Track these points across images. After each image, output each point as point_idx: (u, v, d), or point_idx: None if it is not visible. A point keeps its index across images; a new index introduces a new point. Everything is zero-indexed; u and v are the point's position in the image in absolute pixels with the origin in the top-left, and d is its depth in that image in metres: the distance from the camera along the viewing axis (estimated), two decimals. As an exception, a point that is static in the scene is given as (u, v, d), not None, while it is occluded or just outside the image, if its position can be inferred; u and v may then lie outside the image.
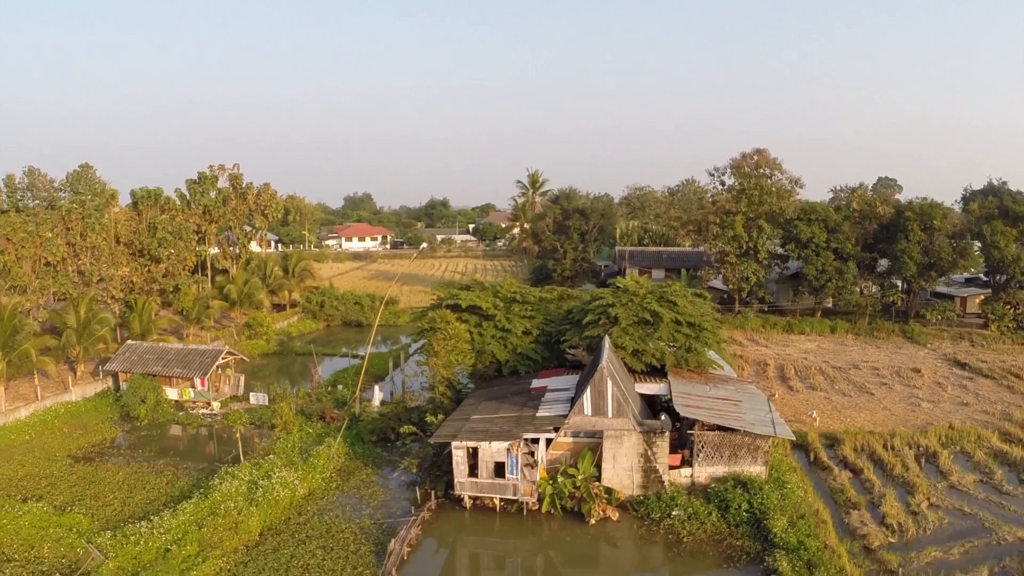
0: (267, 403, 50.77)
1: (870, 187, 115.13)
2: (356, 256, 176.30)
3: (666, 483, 35.58)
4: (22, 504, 35.55)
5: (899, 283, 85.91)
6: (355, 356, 68.37)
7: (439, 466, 37.35)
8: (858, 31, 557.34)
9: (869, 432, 47.54)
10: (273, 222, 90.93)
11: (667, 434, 35.51)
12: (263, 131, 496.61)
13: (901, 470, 41.26)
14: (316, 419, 46.84)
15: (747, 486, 35.17)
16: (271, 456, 39.58)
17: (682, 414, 36.35)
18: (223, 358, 52.74)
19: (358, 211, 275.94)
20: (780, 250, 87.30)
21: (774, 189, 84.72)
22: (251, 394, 52.22)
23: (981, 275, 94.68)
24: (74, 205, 62.55)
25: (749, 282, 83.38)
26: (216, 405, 51.28)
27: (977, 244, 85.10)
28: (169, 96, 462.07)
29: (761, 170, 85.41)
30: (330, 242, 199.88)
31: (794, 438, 40.21)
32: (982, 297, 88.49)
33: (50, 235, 58.35)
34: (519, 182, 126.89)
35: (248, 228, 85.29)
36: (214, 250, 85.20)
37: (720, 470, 36.51)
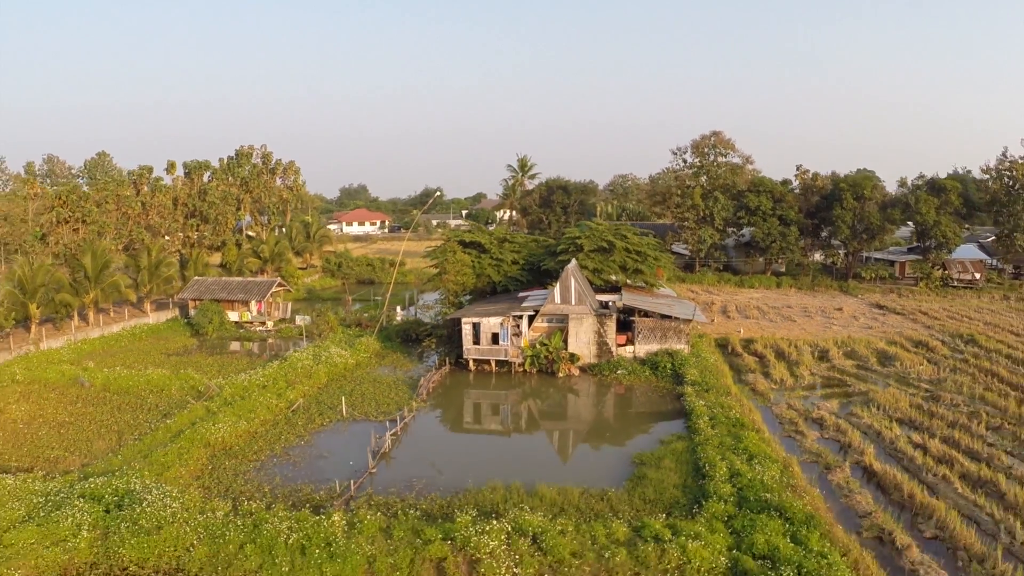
0: (311, 322, 64.06)
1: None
2: (357, 239, 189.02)
3: (614, 353, 49.17)
4: (145, 369, 48.74)
5: (841, 251, 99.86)
6: (375, 298, 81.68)
7: (451, 342, 51.03)
8: (843, 30, 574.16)
9: (780, 338, 61.30)
10: (296, 192, 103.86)
11: (615, 316, 49.14)
12: (260, 126, 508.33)
13: (796, 356, 55.01)
14: (353, 326, 60.37)
15: (673, 356, 48.78)
16: (326, 342, 53.04)
17: (626, 302, 50.00)
18: (275, 288, 66.05)
19: (354, 200, 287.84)
20: (734, 218, 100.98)
21: (728, 165, 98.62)
22: (296, 316, 65.56)
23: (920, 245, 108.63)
24: (143, 171, 75.53)
25: (705, 244, 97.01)
26: (270, 324, 64.57)
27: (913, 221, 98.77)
28: (168, 92, 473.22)
29: (717, 149, 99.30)
30: (331, 227, 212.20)
31: (707, 320, 54.05)
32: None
33: (128, 193, 71.44)
34: (509, 166, 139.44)
35: (278, 199, 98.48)
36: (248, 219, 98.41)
37: (654, 347, 50.09)
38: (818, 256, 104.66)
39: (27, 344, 56.06)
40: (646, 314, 50.58)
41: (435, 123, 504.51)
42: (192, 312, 65.96)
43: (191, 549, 23.66)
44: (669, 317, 50.12)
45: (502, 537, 22.79)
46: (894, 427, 38.73)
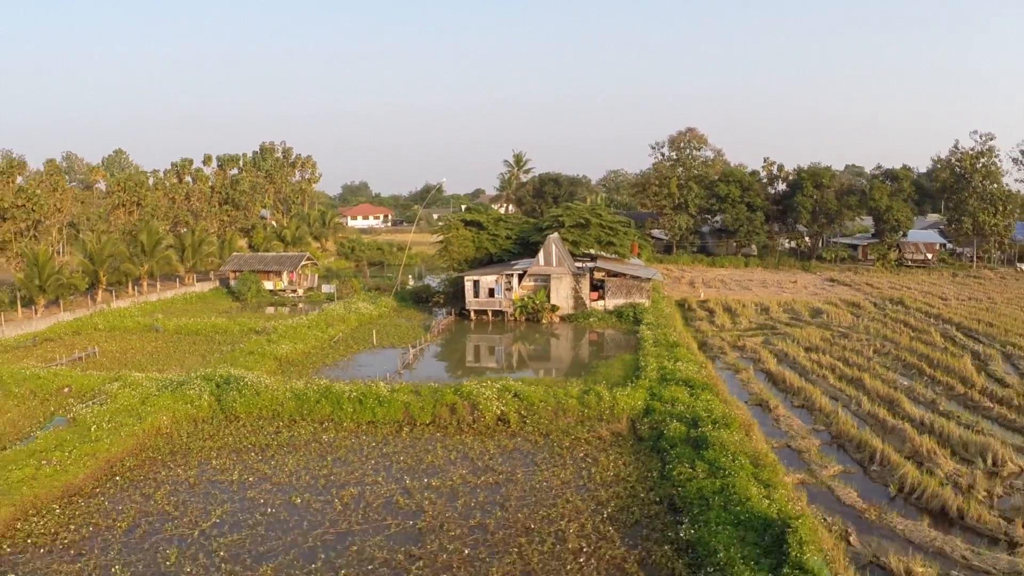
0: (335, 290, 75.38)
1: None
2: (362, 232, 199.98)
3: (588, 306, 60.45)
4: (209, 318, 59.94)
5: (807, 236, 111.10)
6: (387, 275, 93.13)
7: (455, 300, 62.49)
8: (837, 30, 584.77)
9: (733, 299, 72.49)
10: (314, 184, 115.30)
11: (588, 277, 60.50)
12: (259, 126, 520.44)
13: (740, 311, 66.19)
14: (373, 290, 71.80)
15: (636, 307, 60.03)
16: (353, 299, 64.44)
17: (599, 265, 61.34)
18: (304, 261, 77.43)
19: (356, 197, 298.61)
20: (707, 205, 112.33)
21: (701, 158, 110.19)
22: (323, 286, 76.86)
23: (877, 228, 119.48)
24: (185, 163, 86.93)
25: (681, 229, 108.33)
26: (300, 291, 75.88)
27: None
28: (178, 96, 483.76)
29: (692, 144, 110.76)
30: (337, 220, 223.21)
31: (661, 278, 65.26)
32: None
33: (174, 181, 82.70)
34: (505, 161, 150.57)
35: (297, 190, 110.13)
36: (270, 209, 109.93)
37: (621, 301, 61.36)
38: (786, 243, 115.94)
39: (99, 304, 67.18)
40: (615, 275, 61.85)
41: (435, 123, 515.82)
42: (232, 282, 77.16)
43: (283, 404, 34.84)
44: (635, 277, 61.39)
45: (494, 390, 34.04)
46: (800, 351, 49.88)
